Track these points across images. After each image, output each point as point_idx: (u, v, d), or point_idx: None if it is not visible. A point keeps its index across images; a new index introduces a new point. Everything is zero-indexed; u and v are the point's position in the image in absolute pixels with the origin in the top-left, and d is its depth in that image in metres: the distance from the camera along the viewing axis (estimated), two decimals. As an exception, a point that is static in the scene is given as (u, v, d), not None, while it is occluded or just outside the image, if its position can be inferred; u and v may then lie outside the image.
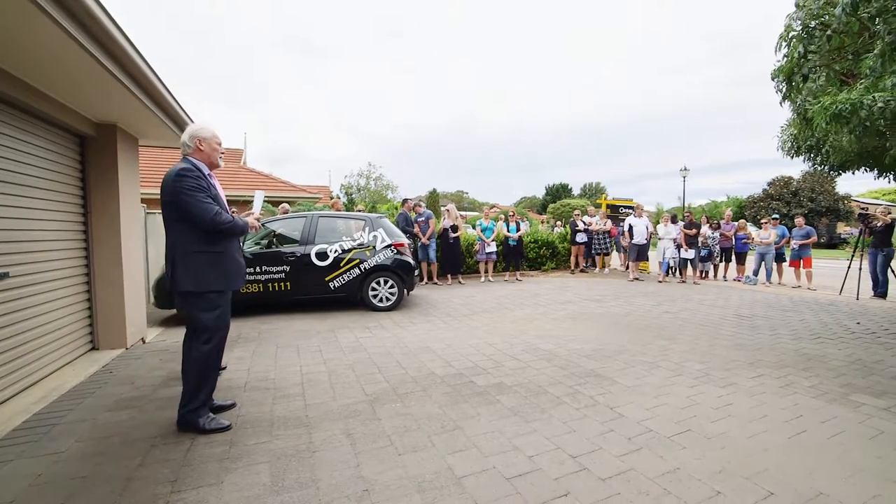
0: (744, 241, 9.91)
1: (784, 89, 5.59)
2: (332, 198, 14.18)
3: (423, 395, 3.16)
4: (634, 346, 4.42)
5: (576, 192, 50.55)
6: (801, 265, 8.99)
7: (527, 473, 2.15)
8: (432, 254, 8.90)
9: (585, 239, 10.87)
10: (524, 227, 11.15)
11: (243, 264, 2.76)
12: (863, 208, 8.37)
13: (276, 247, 6.14)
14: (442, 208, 11.34)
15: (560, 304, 6.81)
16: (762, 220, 9.78)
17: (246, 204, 10.30)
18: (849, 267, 8.09)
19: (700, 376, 3.56)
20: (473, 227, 10.95)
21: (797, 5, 5.01)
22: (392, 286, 6.37)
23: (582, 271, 11.14)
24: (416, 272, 7.08)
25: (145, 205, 6.27)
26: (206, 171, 2.58)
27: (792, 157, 8.14)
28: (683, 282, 9.62)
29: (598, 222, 10.89)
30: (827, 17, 4.56)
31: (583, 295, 7.68)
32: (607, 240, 11.00)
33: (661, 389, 3.27)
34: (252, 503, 1.94)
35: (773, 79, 5.70)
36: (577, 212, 11.38)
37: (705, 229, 9.75)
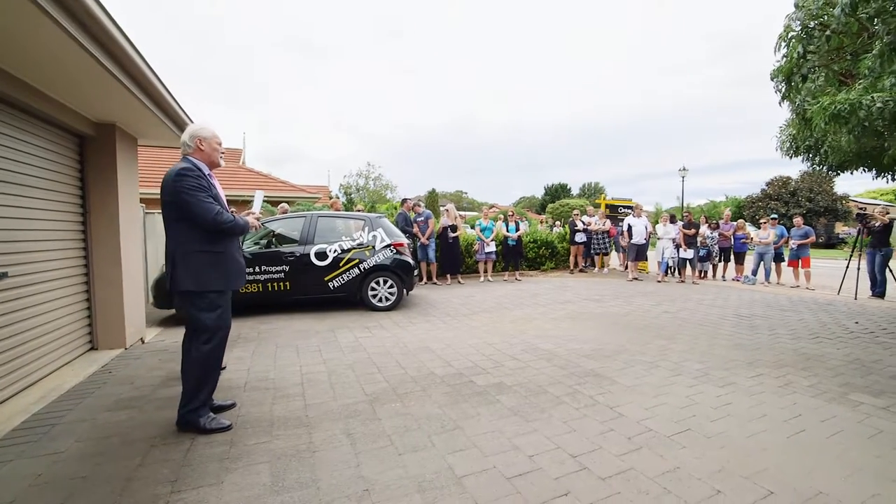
0: (742, 241, 9.93)
1: (783, 89, 5.61)
2: (331, 198, 14.18)
3: (423, 394, 3.16)
4: (634, 346, 4.42)
5: (575, 192, 50.59)
6: (800, 265, 9.02)
7: (527, 473, 2.16)
8: (431, 254, 8.90)
9: (584, 239, 10.88)
10: (523, 227, 11.15)
11: (243, 264, 2.75)
12: (861, 208, 8.40)
13: (275, 247, 6.14)
14: (441, 208, 11.33)
15: (559, 303, 6.81)
16: (761, 221, 9.80)
17: (245, 204, 10.28)
18: (847, 267, 8.11)
19: (699, 376, 3.57)
20: (472, 228, 10.96)
21: (796, 6, 5.02)
22: (391, 286, 6.37)
23: (581, 271, 11.15)
24: (416, 272, 7.09)
25: (144, 204, 6.25)
26: (206, 170, 2.58)
27: (791, 157, 8.16)
28: (682, 282, 9.64)
29: (598, 222, 10.90)
30: (826, 18, 4.57)
31: (582, 295, 7.69)
32: (606, 240, 11.01)
33: (661, 389, 3.27)
34: (252, 503, 1.94)
35: (772, 79, 5.72)
36: (576, 212, 11.39)
37: (704, 229, 9.76)
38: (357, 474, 2.14)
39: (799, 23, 4.87)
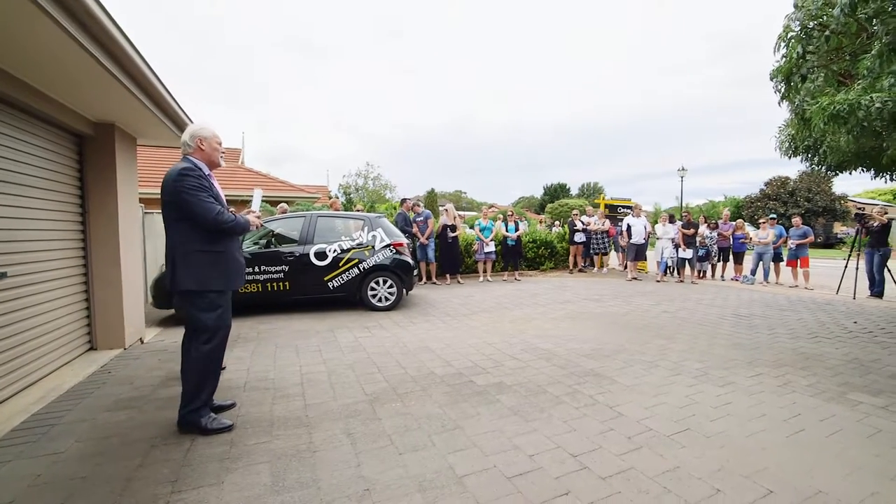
0: (741, 240, 9.95)
1: (783, 89, 5.62)
2: (330, 197, 14.16)
3: (423, 394, 3.16)
4: (633, 346, 4.43)
5: (574, 191, 50.64)
6: (799, 265, 9.04)
7: (527, 472, 2.16)
8: (431, 253, 8.90)
9: (584, 239, 10.89)
10: (523, 226, 11.16)
11: (243, 264, 2.75)
12: (859, 208, 8.43)
13: (274, 246, 6.13)
14: (440, 208, 11.34)
15: (559, 303, 6.82)
16: (760, 221, 9.82)
17: (244, 204, 10.27)
18: (845, 266, 8.12)
19: (699, 375, 3.57)
20: (472, 228, 10.96)
21: (796, 6, 5.03)
22: (391, 286, 6.37)
23: (580, 271, 11.16)
24: (415, 272, 7.09)
25: (143, 204, 6.24)
26: (206, 170, 2.58)
27: (789, 157, 8.18)
28: (681, 281, 9.65)
29: (597, 222, 10.91)
30: (825, 18, 4.58)
31: (581, 294, 7.69)
32: (605, 239, 11.02)
33: (661, 388, 3.28)
34: (253, 503, 1.94)
35: (771, 79, 5.73)
36: (575, 212, 11.40)
37: (703, 229, 9.78)
38: (357, 474, 2.14)
39: (798, 23, 4.88)
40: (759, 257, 9.46)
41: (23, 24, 2.38)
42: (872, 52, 4.19)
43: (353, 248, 6.26)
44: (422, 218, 8.74)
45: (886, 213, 7.82)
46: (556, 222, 17.70)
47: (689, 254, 9.50)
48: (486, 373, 3.62)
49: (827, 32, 4.54)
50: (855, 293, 7.58)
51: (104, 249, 4.29)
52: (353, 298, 6.35)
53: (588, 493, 2.00)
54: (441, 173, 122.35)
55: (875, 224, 7.61)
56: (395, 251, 6.43)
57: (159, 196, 2.53)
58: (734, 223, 10.12)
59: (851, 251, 8.10)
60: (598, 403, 3.00)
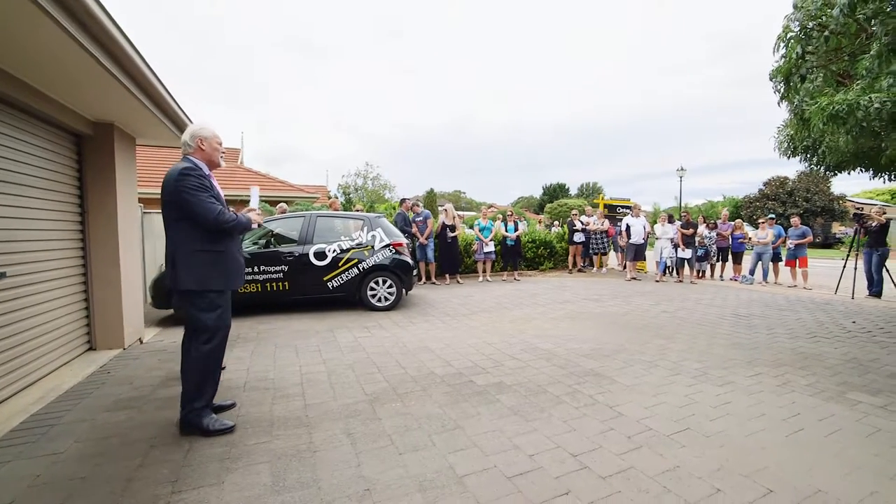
0: (740, 240, 9.97)
1: (782, 90, 5.63)
2: (329, 197, 14.15)
3: (423, 394, 3.16)
4: (633, 346, 4.43)
5: (573, 191, 50.68)
6: (797, 265, 9.06)
7: (528, 472, 2.16)
8: (430, 253, 8.90)
9: (583, 239, 10.90)
10: (522, 226, 11.17)
11: (243, 264, 2.76)
12: (858, 208, 8.44)
13: (274, 246, 6.13)
14: (439, 208, 11.33)
15: (558, 303, 6.82)
16: (759, 221, 9.84)
17: (243, 203, 10.25)
18: (844, 266, 8.15)
19: (698, 375, 3.58)
20: (471, 228, 10.96)
21: (795, 6, 5.03)
22: (391, 286, 6.37)
23: (580, 271, 11.17)
24: (415, 272, 7.09)
25: (142, 204, 6.23)
26: (206, 170, 2.58)
27: (788, 157, 8.18)
28: (680, 281, 9.66)
29: (596, 222, 10.92)
30: (824, 19, 4.59)
31: (581, 294, 7.70)
32: (605, 239, 11.03)
33: (660, 388, 3.28)
34: (253, 503, 1.93)
35: (771, 79, 5.74)
36: (574, 211, 11.41)
37: (702, 229, 9.79)
38: (358, 474, 2.14)
39: (798, 23, 4.89)
40: (758, 257, 9.47)
41: (23, 24, 2.38)
42: (871, 52, 4.20)
43: (353, 248, 6.26)
44: (421, 218, 8.74)
45: (885, 213, 7.84)
46: (556, 222, 17.70)
47: (687, 254, 9.52)
48: (486, 373, 3.62)
49: (826, 33, 4.55)
50: (853, 293, 7.59)
51: (103, 249, 4.29)
52: (352, 298, 6.35)
53: (588, 492, 2.00)
54: (440, 173, 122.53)
55: (873, 224, 7.62)
56: (394, 251, 6.43)
57: (159, 196, 2.53)
58: (733, 223, 10.14)
59: (850, 251, 8.12)
60: (597, 403, 3.00)
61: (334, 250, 6.17)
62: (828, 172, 8.38)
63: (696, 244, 9.65)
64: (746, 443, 2.47)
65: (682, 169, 22.96)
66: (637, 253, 9.85)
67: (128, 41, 2.95)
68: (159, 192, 2.53)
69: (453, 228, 9.09)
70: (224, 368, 3.65)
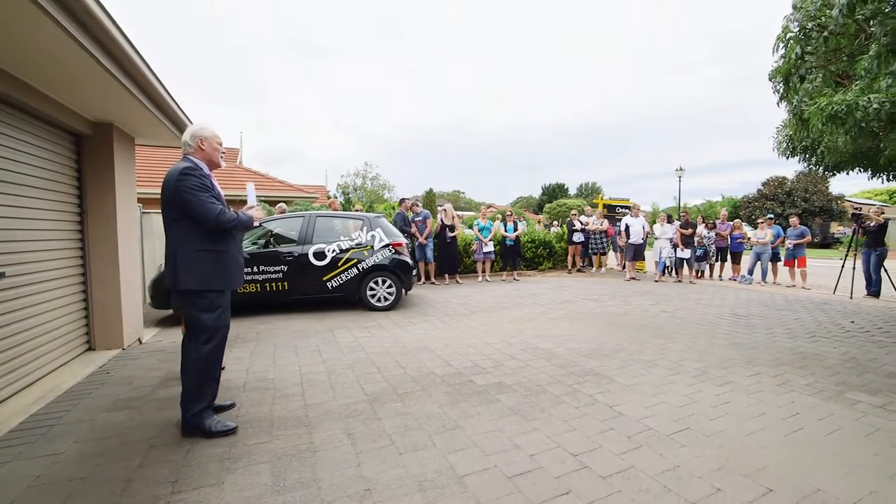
0: (739, 240, 9.99)
1: (781, 90, 5.63)
2: (329, 197, 14.14)
3: (423, 394, 3.17)
4: (632, 345, 4.44)
5: (572, 191, 50.72)
6: (796, 265, 9.08)
7: (528, 472, 2.16)
8: (430, 253, 8.90)
9: (582, 239, 10.92)
10: (521, 226, 11.18)
11: (242, 263, 2.76)
12: (856, 208, 8.46)
13: (273, 246, 6.13)
14: (438, 208, 11.33)
15: (558, 303, 6.83)
16: (758, 221, 9.86)
17: (242, 203, 10.23)
18: (842, 266, 8.17)
19: (698, 375, 3.59)
20: (470, 228, 10.97)
21: (794, 7, 5.03)
22: (390, 286, 6.37)
23: (579, 271, 11.18)
24: (414, 272, 7.08)
25: (141, 204, 6.22)
26: (206, 170, 2.58)
27: (787, 157, 8.18)
28: (680, 281, 9.68)
29: (595, 222, 10.93)
30: (824, 19, 4.59)
31: (580, 294, 7.71)
32: (604, 239, 11.04)
33: (660, 388, 3.29)
34: (254, 503, 1.93)
35: (770, 79, 5.75)
36: (573, 212, 11.42)
37: (701, 229, 9.81)
38: (358, 474, 2.14)
39: (797, 24, 4.89)
40: (757, 257, 9.49)
41: (23, 24, 2.37)
42: (870, 52, 4.20)
43: (352, 248, 6.26)
44: (420, 218, 8.74)
45: (883, 213, 7.86)
46: (555, 222, 17.71)
47: (687, 254, 9.53)
48: (486, 372, 3.62)
49: (825, 33, 4.55)
50: (852, 293, 7.61)
51: (102, 249, 4.28)
52: (351, 298, 6.35)
53: (588, 492, 2.00)
54: (440, 173, 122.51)
55: (872, 224, 7.64)
56: (394, 251, 6.43)
57: (158, 196, 2.52)
58: (732, 223, 10.16)
59: (848, 251, 8.13)
60: (597, 403, 3.00)
61: (334, 250, 6.16)
62: (826, 173, 8.39)
63: (695, 244, 9.66)
64: (746, 442, 2.48)
65: (680, 169, 23.00)
66: (636, 253, 9.87)
67: (128, 41, 2.95)
68: (158, 191, 2.53)
69: (452, 228, 9.09)
70: (224, 368, 3.65)
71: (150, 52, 3.37)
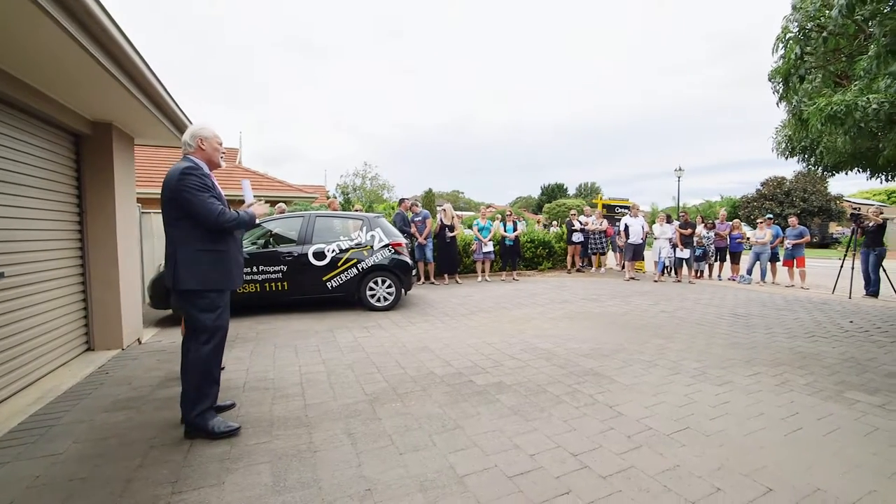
0: (738, 240, 10.00)
1: (781, 90, 5.64)
2: (328, 197, 14.13)
3: (423, 394, 3.17)
4: (632, 345, 4.44)
5: (571, 192, 50.75)
6: (795, 264, 9.09)
7: (528, 472, 2.16)
8: (429, 253, 8.90)
9: (582, 239, 10.92)
10: (521, 226, 11.18)
11: (242, 263, 2.76)
12: (855, 208, 8.47)
13: (272, 246, 6.12)
14: (438, 208, 11.33)
15: (557, 303, 6.83)
16: (758, 221, 9.87)
17: (241, 203, 10.22)
18: (841, 266, 8.18)
19: (697, 375, 3.59)
20: (470, 228, 10.97)
21: (794, 7, 5.04)
22: (390, 286, 6.37)
23: (578, 271, 11.19)
24: (414, 272, 7.08)
25: (141, 204, 6.21)
26: (206, 169, 2.58)
27: (786, 157, 8.19)
28: (679, 281, 9.69)
29: (595, 222, 10.94)
30: (823, 20, 4.60)
31: (580, 294, 7.71)
32: (603, 239, 11.05)
33: (660, 388, 3.29)
34: (254, 503, 1.93)
35: (770, 80, 5.76)
36: (573, 212, 11.42)
37: (700, 229, 9.82)
38: (358, 474, 2.14)
39: (796, 24, 4.91)
40: (757, 257, 9.51)
41: (23, 24, 2.37)
42: (869, 53, 4.21)
43: (352, 248, 6.26)
44: (420, 218, 8.74)
45: (882, 213, 7.88)
46: (554, 222, 17.72)
47: (686, 254, 9.55)
48: (486, 372, 3.63)
49: (825, 34, 4.57)
50: (850, 293, 7.62)
51: (102, 249, 4.27)
52: (351, 298, 6.35)
53: (589, 491, 2.00)
54: (439, 173, 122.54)
55: (870, 224, 7.66)
56: (393, 251, 6.43)
57: (158, 196, 2.52)
58: (731, 223, 10.17)
59: (847, 251, 8.15)
60: (597, 403, 3.01)
61: (333, 250, 6.16)
62: (825, 173, 8.38)
63: (695, 244, 9.68)
64: (746, 442, 2.48)
65: (679, 169, 23.00)
66: (635, 253, 9.88)
67: (127, 41, 2.95)
68: (158, 192, 2.53)
69: (452, 228, 9.09)
70: (223, 368, 3.64)
71: (149, 52, 3.37)
